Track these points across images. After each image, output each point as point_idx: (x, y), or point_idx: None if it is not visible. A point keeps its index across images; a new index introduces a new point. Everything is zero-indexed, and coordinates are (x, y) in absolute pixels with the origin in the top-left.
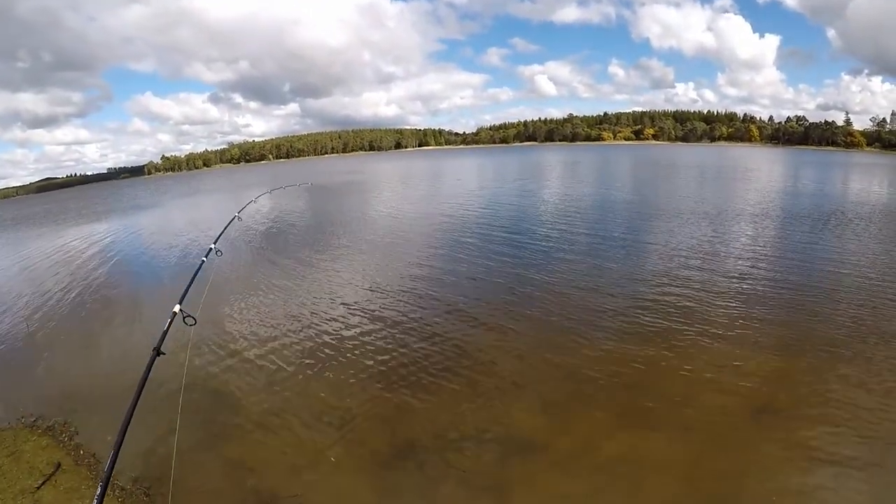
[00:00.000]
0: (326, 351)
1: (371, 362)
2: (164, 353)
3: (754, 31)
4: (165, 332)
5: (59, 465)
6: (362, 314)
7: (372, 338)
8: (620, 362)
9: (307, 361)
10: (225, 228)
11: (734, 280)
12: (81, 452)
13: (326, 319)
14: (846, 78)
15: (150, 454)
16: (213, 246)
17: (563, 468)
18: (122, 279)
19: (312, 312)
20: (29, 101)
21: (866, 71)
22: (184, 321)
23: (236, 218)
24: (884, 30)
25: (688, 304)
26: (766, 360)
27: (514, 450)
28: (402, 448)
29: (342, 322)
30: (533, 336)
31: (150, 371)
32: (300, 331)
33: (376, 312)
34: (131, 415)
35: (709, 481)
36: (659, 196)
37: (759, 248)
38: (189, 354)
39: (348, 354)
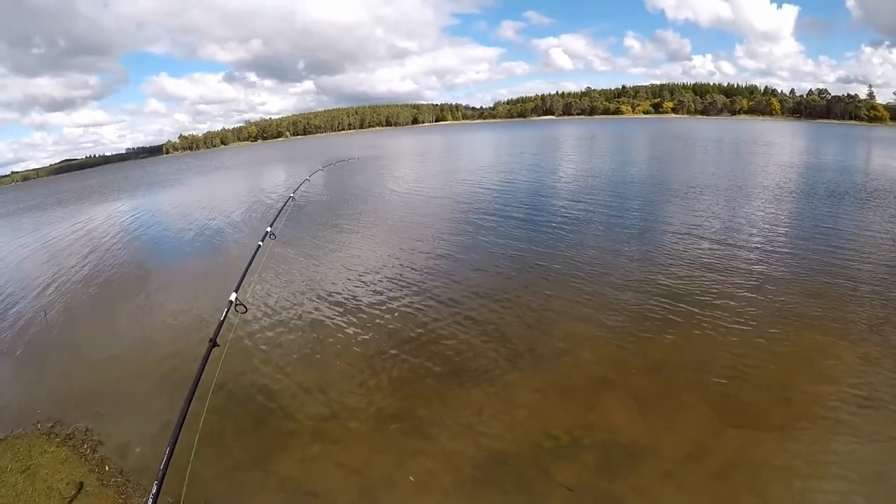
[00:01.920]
0: (389, 348)
1: (438, 361)
2: (218, 345)
3: (772, 2)
4: (221, 323)
5: (81, 486)
6: (424, 304)
7: (435, 334)
8: (701, 350)
9: (367, 355)
10: (281, 210)
11: (805, 259)
12: (107, 469)
13: (386, 311)
14: (867, 50)
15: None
16: (268, 229)
17: (677, 478)
18: (151, 261)
19: (371, 302)
20: (46, 85)
21: (887, 42)
22: (235, 309)
23: (291, 199)
24: None
25: (759, 284)
26: (858, 345)
27: (619, 458)
28: (491, 461)
29: (404, 314)
30: (600, 323)
31: (205, 365)
32: (356, 321)
33: (438, 305)
34: (187, 408)
35: (832, 482)
36: (695, 173)
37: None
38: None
39: (411, 351)
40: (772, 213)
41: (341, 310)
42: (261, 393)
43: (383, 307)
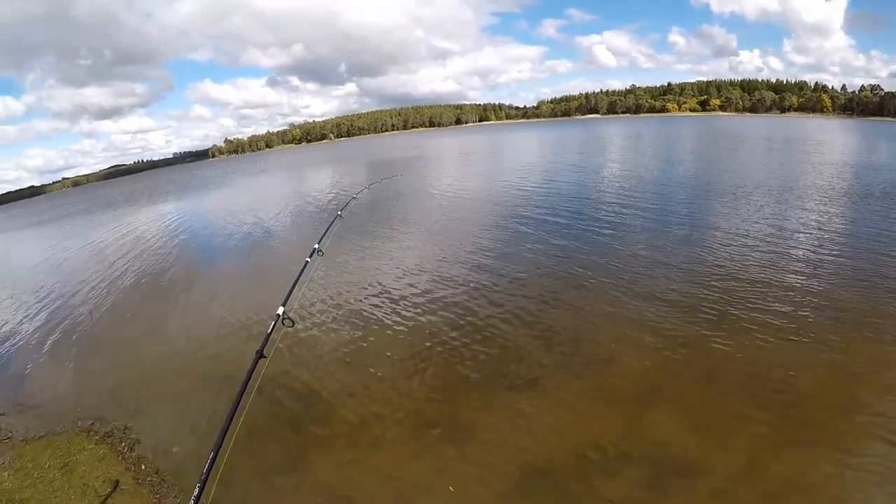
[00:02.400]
0: (430, 352)
1: (479, 365)
2: (265, 357)
3: None
4: (268, 335)
5: (116, 484)
6: (465, 308)
7: (476, 338)
8: (756, 360)
9: (407, 360)
10: (328, 228)
11: (863, 266)
12: (143, 468)
13: (426, 315)
14: None
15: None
16: (316, 246)
17: (729, 498)
18: (197, 265)
19: (411, 307)
20: (93, 94)
21: None
22: (282, 323)
23: (339, 216)
24: None
25: (817, 291)
26: None
27: (668, 473)
28: (535, 471)
29: (444, 318)
30: (648, 329)
31: (251, 376)
32: (396, 327)
33: (478, 308)
34: (232, 417)
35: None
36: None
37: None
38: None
39: (452, 354)
40: (825, 216)
41: (381, 315)
42: (298, 397)
43: (424, 311)
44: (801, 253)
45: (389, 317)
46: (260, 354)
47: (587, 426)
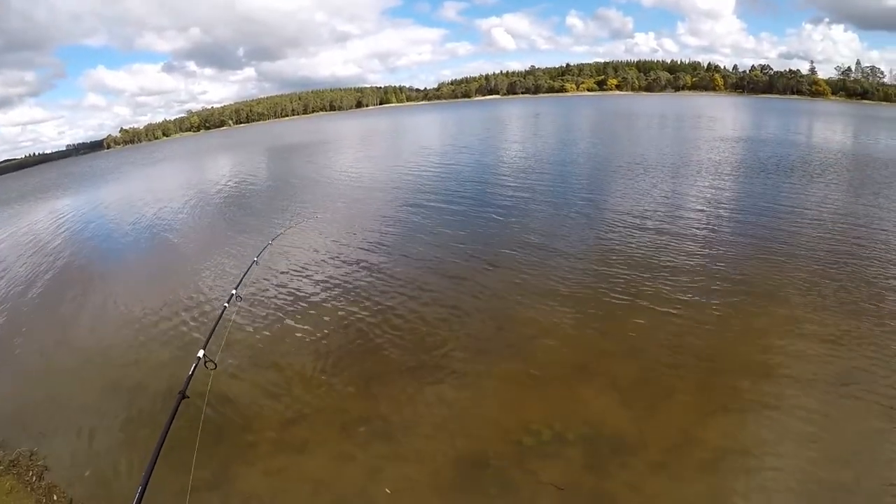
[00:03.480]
0: (346, 345)
1: (399, 355)
2: (188, 397)
3: None
4: (190, 377)
5: None
6: (377, 298)
7: (392, 328)
8: (673, 331)
9: (325, 354)
10: (245, 273)
11: (760, 233)
12: (55, 499)
13: (338, 306)
14: (808, 27)
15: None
16: (234, 292)
17: (668, 471)
18: (99, 265)
19: (322, 299)
20: None
21: (826, 19)
22: (205, 366)
23: (254, 263)
24: None
25: (721, 263)
26: (829, 321)
27: (606, 451)
28: (471, 462)
29: (357, 308)
30: (565, 307)
31: (173, 417)
32: (308, 319)
33: (391, 297)
34: (156, 460)
35: (827, 467)
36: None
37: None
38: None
39: (368, 346)
40: (723, 190)
41: (292, 308)
42: (217, 402)
43: (335, 303)
44: (702, 227)
45: (301, 315)
46: (182, 395)
47: (518, 410)
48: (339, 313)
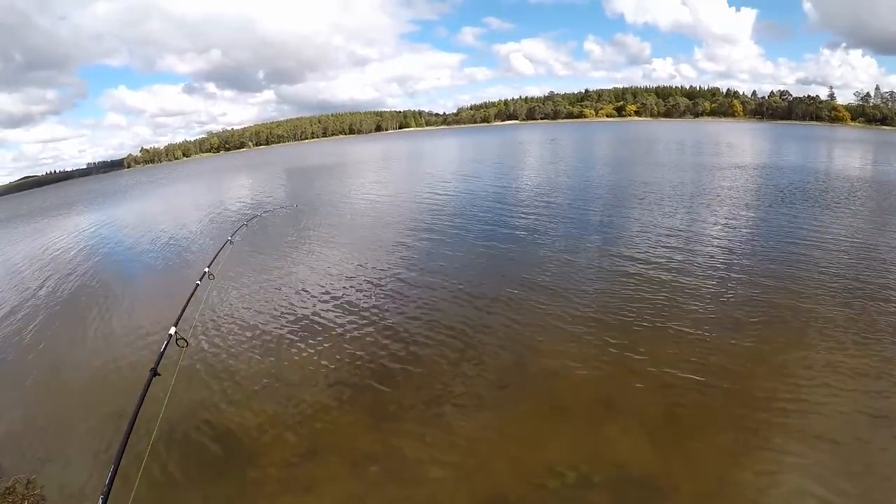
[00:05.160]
0: (358, 377)
1: (414, 388)
2: (159, 374)
3: (730, 5)
4: (162, 353)
5: None
6: (392, 327)
7: (407, 359)
8: (701, 364)
9: (335, 387)
10: (217, 253)
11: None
12: None
13: (350, 335)
14: (825, 52)
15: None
16: (206, 269)
17: None
18: (86, 288)
19: (332, 328)
20: (3, 101)
21: (844, 44)
22: (177, 343)
23: (228, 242)
24: (859, 1)
25: (745, 293)
26: (860, 353)
27: (634, 498)
28: None
29: (370, 338)
30: (589, 339)
31: (145, 395)
32: (318, 350)
33: (407, 326)
34: (127, 438)
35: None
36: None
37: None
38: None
39: (383, 378)
40: (750, 217)
41: (300, 338)
42: (215, 435)
43: (346, 331)
44: (727, 257)
45: (307, 340)
46: (154, 372)
47: (541, 449)
48: (347, 337)
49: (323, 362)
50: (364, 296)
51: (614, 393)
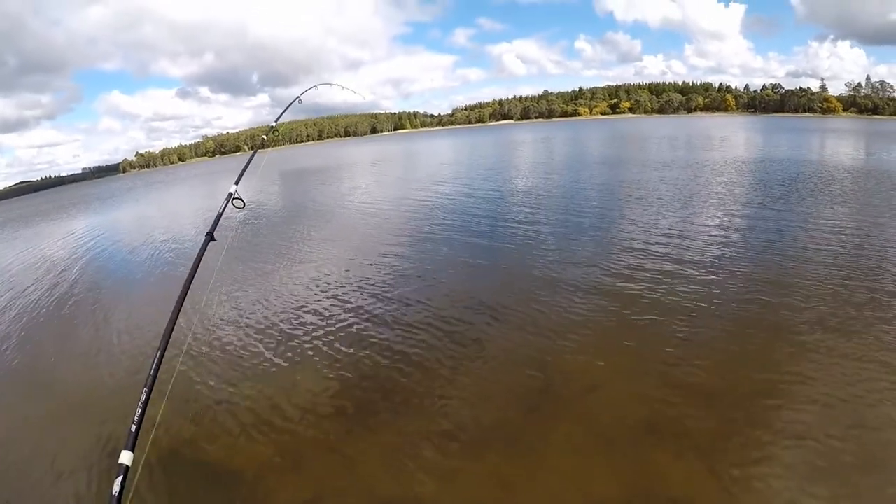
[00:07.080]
0: (368, 409)
1: (432, 419)
2: (215, 239)
3: (718, 1)
4: (220, 215)
5: None
6: (400, 344)
7: (420, 384)
8: (754, 368)
9: (345, 415)
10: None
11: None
12: None
13: (355, 354)
14: (814, 44)
15: None
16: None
17: None
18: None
19: (337, 345)
20: None
21: (832, 36)
22: (232, 203)
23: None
24: None
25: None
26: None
27: None
28: None
29: (373, 358)
30: (622, 352)
31: (202, 254)
32: (319, 371)
33: (417, 341)
34: (180, 307)
35: None
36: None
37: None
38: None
39: (392, 407)
40: (761, 213)
41: (299, 358)
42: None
43: (353, 347)
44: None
45: (312, 367)
46: (210, 237)
47: (583, 485)
48: (351, 367)
49: (328, 393)
50: (366, 302)
51: (656, 413)
